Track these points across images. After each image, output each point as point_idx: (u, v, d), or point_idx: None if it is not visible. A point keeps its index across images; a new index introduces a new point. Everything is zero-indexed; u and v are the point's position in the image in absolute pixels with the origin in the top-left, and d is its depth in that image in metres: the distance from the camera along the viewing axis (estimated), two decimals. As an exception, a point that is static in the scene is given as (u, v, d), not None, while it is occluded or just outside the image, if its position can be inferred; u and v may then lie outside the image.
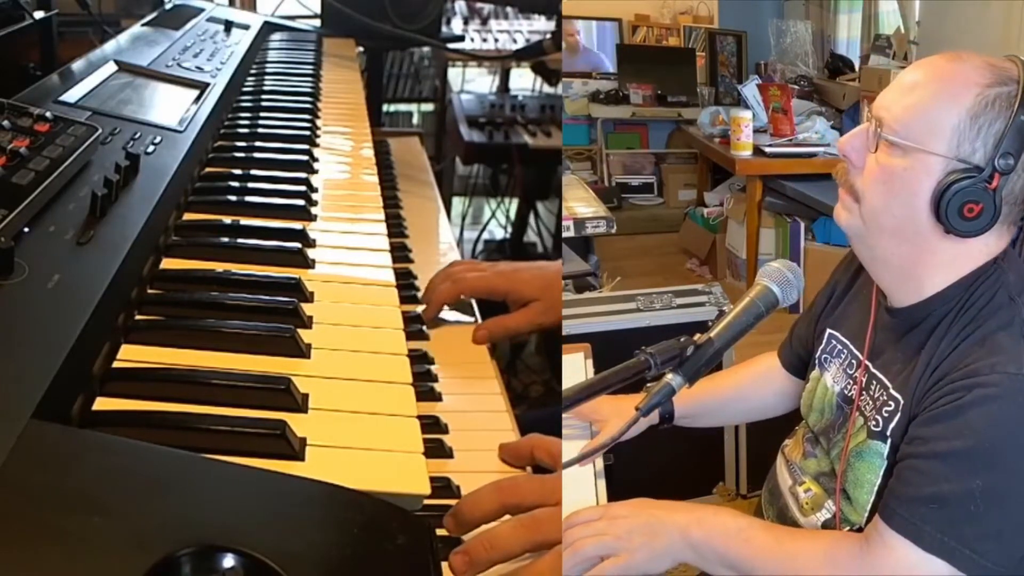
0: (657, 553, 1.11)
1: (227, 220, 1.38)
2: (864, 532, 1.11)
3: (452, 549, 0.94)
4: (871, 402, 1.17)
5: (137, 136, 1.38)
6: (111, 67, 1.68)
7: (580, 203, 2.61)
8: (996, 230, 1.09)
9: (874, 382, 1.18)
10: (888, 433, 1.12)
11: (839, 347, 1.28)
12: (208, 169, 1.57)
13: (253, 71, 2.18)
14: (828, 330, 1.32)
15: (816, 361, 1.32)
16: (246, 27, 2.40)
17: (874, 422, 1.15)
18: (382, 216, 1.55)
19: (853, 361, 1.24)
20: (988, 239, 1.10)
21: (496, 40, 3.91)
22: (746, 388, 1.49)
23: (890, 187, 1.10)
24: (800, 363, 1.41)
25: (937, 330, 1.10)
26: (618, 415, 1.32)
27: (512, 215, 3.43)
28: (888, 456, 1.12)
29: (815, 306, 1.39)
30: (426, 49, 3.77)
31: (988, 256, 1.12)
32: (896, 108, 1.10)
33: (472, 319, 1.49)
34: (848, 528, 1.18)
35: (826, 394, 1.27)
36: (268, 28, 2.58)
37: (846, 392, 1.23)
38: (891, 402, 1.13)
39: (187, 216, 1.38)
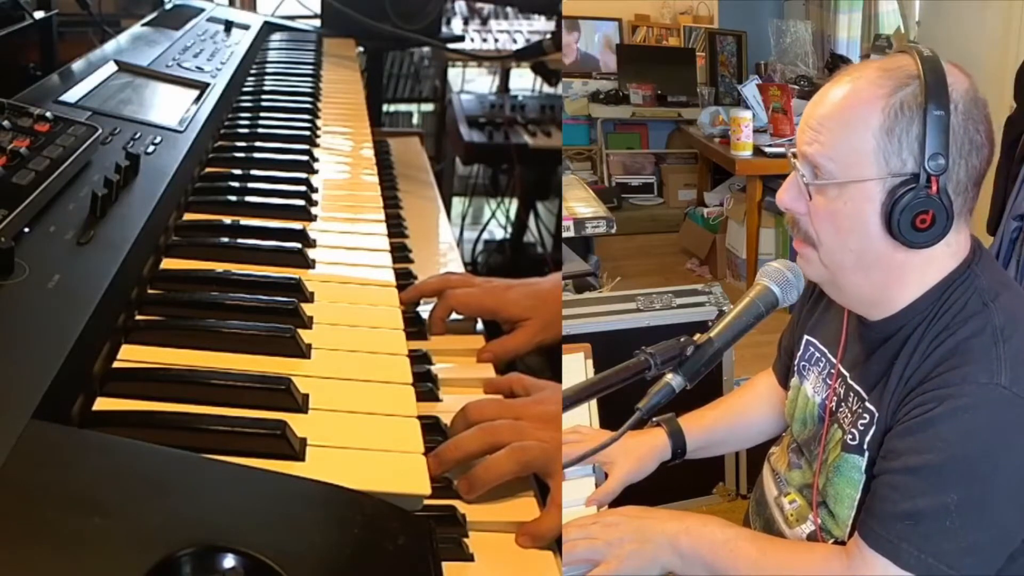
0: (646, 560, 1.13)
1: (227, 220, 1.38)
2: (846, 547, 1.10)
3: (446, 543, 0.95)
4: (849, 415, 1.16)
5: (137, 136, 1.38)
6: (111, 67, 1.68)
7: (580, 203, 2.61)
8: (954, 226, 1.06)
9: (851, 394, 1.17)
10: (865, 446, 1.11)
11: (817, 354, 1.27)
12: (208, 169, 1.57)
13: (253, 71, 2.18)
14: (806, 336, 1.30)
15: (796, 369, 1.31)
16: (246, 27, 2.40)
17: (851, 435, 1.13)
18: (382, 216, 1.55)
19: (831, 370, 1.22)
20: (948, 237, 1.06)
21: (496, 40, 3.90)
22: (750, 412, 1.47)
23: (839, 225, 1.08)
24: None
25: (910, 340, 1.09)
26: (624, 454, 1.33)
27: (512, 215, 3.43)
28: (866, 470, 1.11)
29: (795, 310, 1.37)
30: (426, 49, 3.76)
31: (953, 256, 1.09)
32: (812, 150, 1.08)
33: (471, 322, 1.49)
34: (832, 541, 1.17)
35: (807, 404, 1.26)
36: (268, 28, 2.58)
37: (827, 403, 1.22)
38: (866, 415, 1.12)
39: (187, 216, 1.38)
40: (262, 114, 1.87)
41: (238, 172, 1.58)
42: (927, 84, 1.03)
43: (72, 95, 1.46)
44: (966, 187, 1.06)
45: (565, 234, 2.49)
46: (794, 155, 1.11)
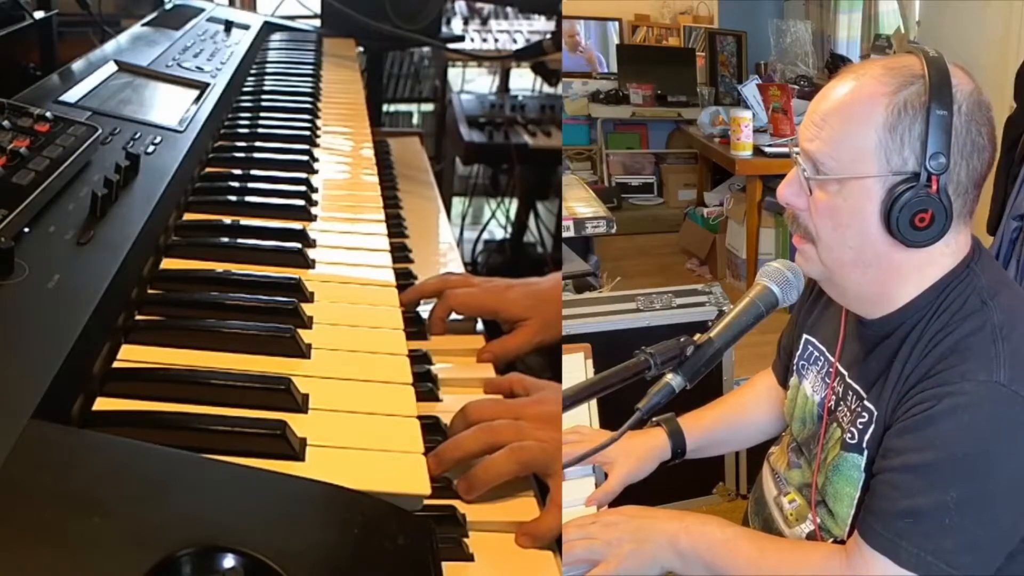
0: (645, 560, 1.13)
1: (227, 220, 1.38)
2: (846, 546, 1.10)
3: (446, 543, 0.95)
4: (848, 413, 1.16)
5: (137, 136, 1.38)
6: (111, 67, 1.68)
7: (580, 203, 2.61)
8: (953, 226, 1.06)
9: (850, 393, 1.17)
10: (864, 445, 1.11)
11: (816, 354, 1.27)
12: (208, 169, 1.57)
13: (253, 71, 2.19)
14: (805, 335, 1.30)
15: (795, 368, 1.31)
16: (246, 27, 2.40)
17: (850, 434, 1.13)
18: (382, 216, 1.55)
19: (830, 369, 1.22)
20: (947, 237, 1.06)
21: (496, 40, 3.91)
22: (750, 412, 1.47)
23: (838, 221, 1.08)
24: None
25: (909, 338, 1.09)
26: (624, 454, 1.33)
27: (512, 215, 3.43)
28: (865, 468, 1.11)
29: (794, 310, 1.37)
30: (426, 49, 3.77)
31: (953, 255, 1.09)
32: (813, 147, 1.08)
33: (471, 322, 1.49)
34: (831, 540, 1.17)
35: (807, 404, 1.26)
36: (268, 28, 2.58)
37: (825, 402, 1.22)
38: (865, 413, 1.12)
39: (187, 216, 1.38)
40: (262, 114, 1.87)
41: (238, 172, 1.58)
42: (931, 84, 1.03)
43: (72, 95, 1.46)
44: (967, 188, 1.06)
45: (565, 234, 2.49)
46: (797, 152, 1.12)
